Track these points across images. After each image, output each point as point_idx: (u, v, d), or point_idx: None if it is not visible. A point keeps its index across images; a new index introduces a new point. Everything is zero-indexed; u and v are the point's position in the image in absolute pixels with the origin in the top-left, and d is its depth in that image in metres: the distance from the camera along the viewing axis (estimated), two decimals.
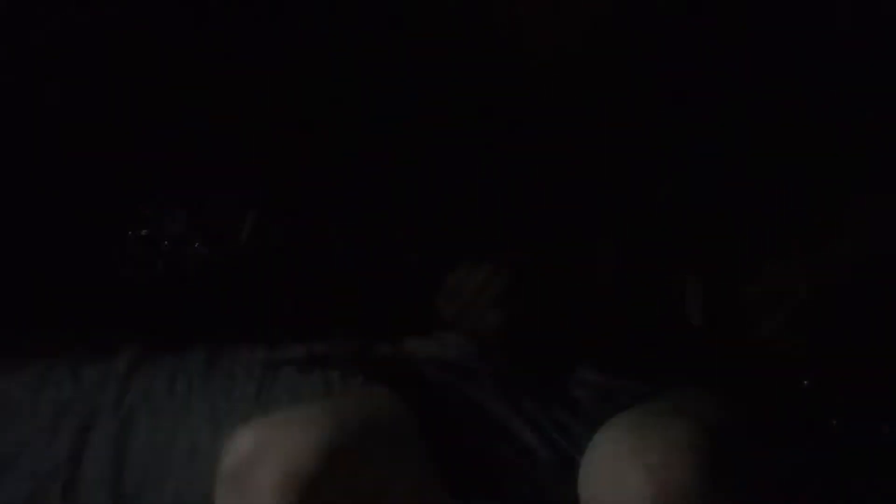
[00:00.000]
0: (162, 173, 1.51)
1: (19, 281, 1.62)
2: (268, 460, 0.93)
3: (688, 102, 1.16)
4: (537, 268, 1.05)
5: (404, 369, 1.17)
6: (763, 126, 1.15)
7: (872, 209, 1.12)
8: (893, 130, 1.21)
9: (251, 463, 0.93)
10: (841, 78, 1.21)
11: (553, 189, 1.21)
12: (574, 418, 1.12)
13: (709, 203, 1.15)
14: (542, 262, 1.06)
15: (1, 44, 1.58)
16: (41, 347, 1.51)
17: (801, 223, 1.16)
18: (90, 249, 1.16)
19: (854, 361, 1.03)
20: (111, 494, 1.20)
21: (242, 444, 0.96)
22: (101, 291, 1.57)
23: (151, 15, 1.67)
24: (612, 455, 0.86)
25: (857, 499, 1.00)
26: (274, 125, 1.78)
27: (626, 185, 1.16)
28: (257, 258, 1.11)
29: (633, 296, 1.05)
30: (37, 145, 1.64)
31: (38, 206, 1.63)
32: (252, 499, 0.91)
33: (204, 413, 1.34)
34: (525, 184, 1.21)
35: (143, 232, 1.08)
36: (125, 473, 1.23)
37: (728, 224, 1.15)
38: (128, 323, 1.67)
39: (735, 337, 1.03)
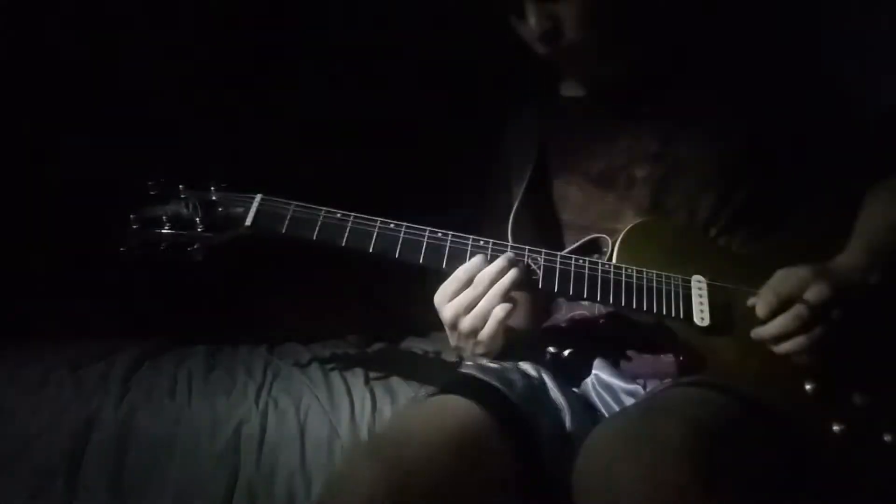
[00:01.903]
0: (169, 153, 1.51)
1: (19, 280, 1.62)
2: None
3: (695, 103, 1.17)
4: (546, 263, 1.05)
5: (473, 381, 1.09)
6: (773, 129, 1.15)
7: (879, 213, 1.12)
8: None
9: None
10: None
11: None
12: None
13: (718, 206, 1.15)
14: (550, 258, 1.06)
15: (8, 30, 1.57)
16: (42, 348, 1.51)
17: (810, 227, 1.17)
18: (94, 229, 1.14)
19: (858, 367, 1.03)
20: (111, 494, 1.19)
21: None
22: (102, 291, 1.57)
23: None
24: (605, 454, 0.85)
25: (855, 502, 1.00)
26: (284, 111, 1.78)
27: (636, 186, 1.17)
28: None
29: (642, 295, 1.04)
30: (41, 127, 1.64)
31: (40, 196, 1.63)
32: None
33: (204, 413, 1.33)
34: (533, 183, 1.22)
35: (146, 212, 1.08)
36: (125, 473, 1.22)
37: (737, 226, 1.15)
38: (128, 323, 1.68)
39: (741, 339, 1.04)
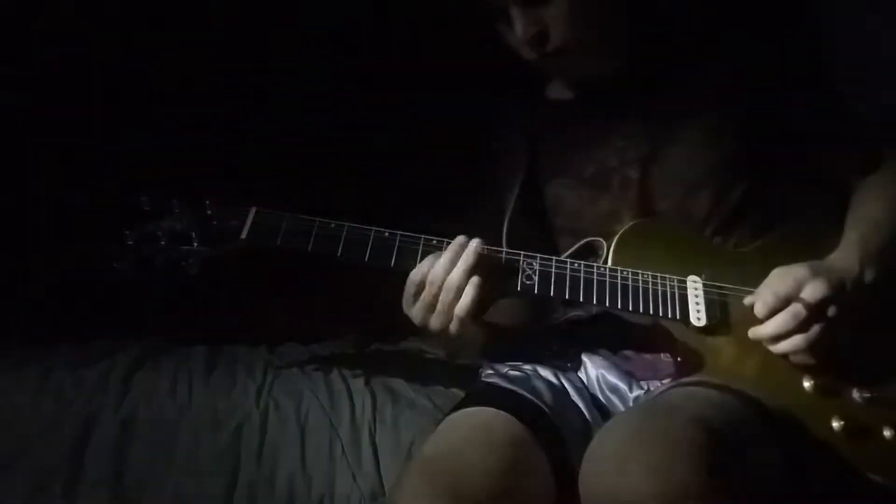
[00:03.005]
0: (163, 167, 1.51)
1: (19, 281, 1.62)
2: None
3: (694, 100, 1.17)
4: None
5: (506, 392, 1.12)
6: (768, 128, 1.15)
7: (871, 209, 1.12)
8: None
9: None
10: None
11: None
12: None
13: (712, 205, 1.15)
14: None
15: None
16: (43, 348, 1.51)
17: (805, 225, 1.17)
18: (89, 246, 1.14)
19: (856, 363, 1.03)
20: (111, 494, 1.19)
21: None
22: (102, 292, 1.57)
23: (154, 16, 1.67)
24: (613, 453, 0.86)
25: (857, 498, 1.00)
26: (276, 121, 1.78)
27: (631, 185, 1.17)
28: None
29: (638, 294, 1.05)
30: (35, 140, 1.64)
31: (38, 201, 1.63)
32: None
33: (204, 413, 1.33)
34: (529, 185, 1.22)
35: (141, 228, 1.07)
36: (125, 473, 1.22)
37: (732, 226, 1.15)
38: (128, 323, 1.68)
39: (738, 338, 1.04)
